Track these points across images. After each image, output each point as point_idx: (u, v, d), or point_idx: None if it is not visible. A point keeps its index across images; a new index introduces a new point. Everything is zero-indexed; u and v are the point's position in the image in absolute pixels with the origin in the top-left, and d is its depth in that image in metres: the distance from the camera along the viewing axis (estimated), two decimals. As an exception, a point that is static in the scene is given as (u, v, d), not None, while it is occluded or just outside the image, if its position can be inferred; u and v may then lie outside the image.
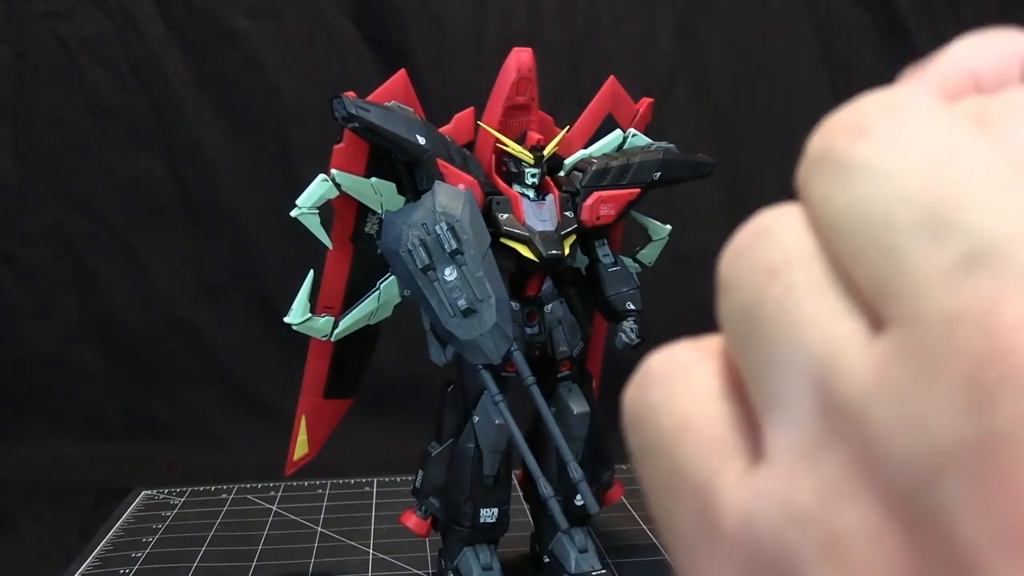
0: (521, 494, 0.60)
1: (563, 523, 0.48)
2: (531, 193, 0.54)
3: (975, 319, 0.11)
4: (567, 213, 0.55)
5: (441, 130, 0.53)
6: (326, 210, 0.51)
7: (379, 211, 0.52)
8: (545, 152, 0.54)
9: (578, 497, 0.53)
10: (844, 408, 0.12)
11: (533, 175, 0.53)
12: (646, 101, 0.61)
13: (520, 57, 0.53)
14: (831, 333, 0.12)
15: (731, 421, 0.14)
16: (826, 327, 0.12)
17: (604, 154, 0.58)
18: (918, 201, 0.12)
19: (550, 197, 0.54)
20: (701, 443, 0.14)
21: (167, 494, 0.74)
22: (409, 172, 0.52)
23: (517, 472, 0.59)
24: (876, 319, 0.12)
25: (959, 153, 0.12)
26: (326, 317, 0.53)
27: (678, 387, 0.15)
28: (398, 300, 0.54)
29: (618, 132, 0.59)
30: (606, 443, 0.58)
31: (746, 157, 0.93)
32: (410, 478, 0.57)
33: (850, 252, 0.13)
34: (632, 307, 0.55)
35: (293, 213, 0.50)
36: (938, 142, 0.12)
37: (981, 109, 0.14)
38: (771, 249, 0.14)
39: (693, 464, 0.14)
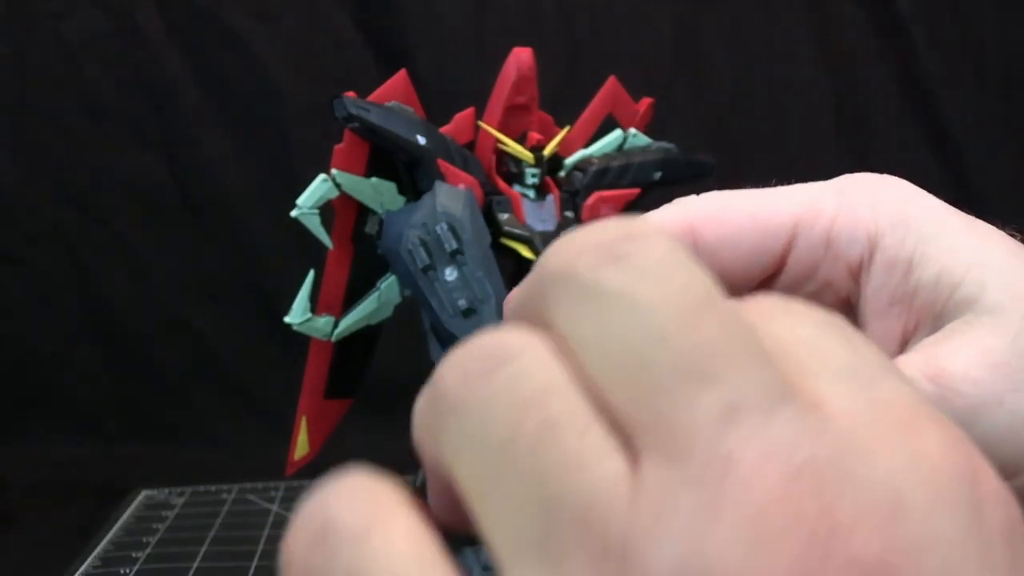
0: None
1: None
2: (531, 193, 0.54)
3: (750, 466, 0.12)
4: (567, 213, 0.55)
5: (441, 130, 0.53)
6: (326, 210, 0.51)
7: (379, 211, 0.52)
8: (545, 152, 0.54)
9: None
10: (620, 548, 0.12)
11: (533, 175, 0.54)
12: (646, 101, 0.61)
13: (520, 57, 0.53)
14: (600, 475, 0.12)
15: None
16: (593, 468, 0.12)
17: (604, 154, 0.58)
18: (678, 345, 0.12)
19: (550, 197, 0.54)
20: None
21: (167, 494, 0.74)
22: (409, 172, 0.52)
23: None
24: (629, 445, 0.12)
25: (706, 304, 0.13)
26: (326, 317, 0.53)
27: (378, 551, 0.13)
28: (398, 300, 0.54)
29: (618, 132, 0.59)
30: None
31: (746, 157, 0.93)
32: (410, 478, 0.57)
33: (607, 383, 0.13)
34: None
35: (293, 213, 0.50)
36: (686, 285, 0.13)
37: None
38: (519, 378, 0.13)
39: None
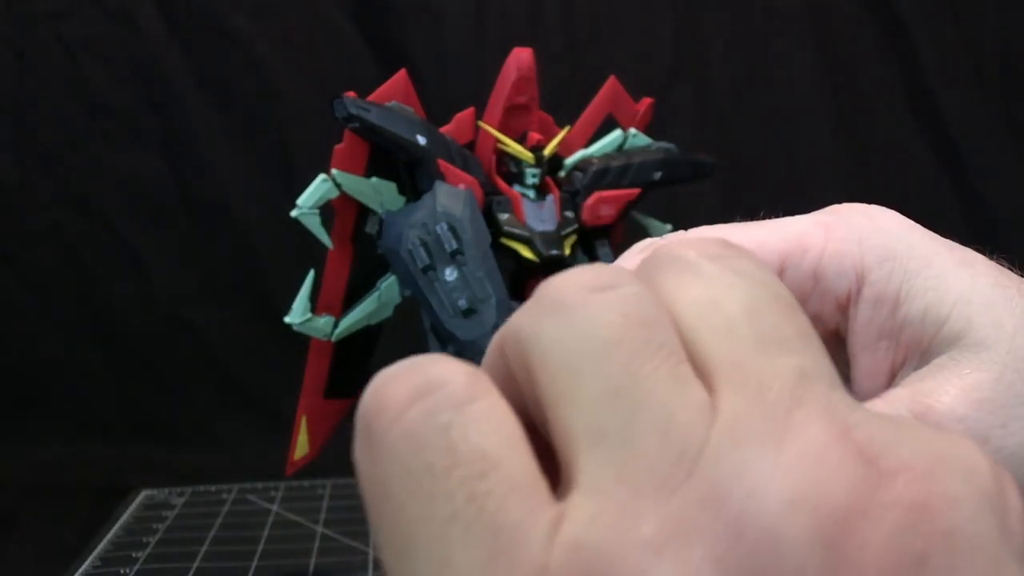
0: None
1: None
2: (531, 193, 0.54)
3: (815, 411, 0.14)
4: (567, 213, 0.55)
5: (441, 130, 0.53)
6: (326, 210, 0.51)
7: (379, 211, 0.52)
8: (545, 152, 0.54)
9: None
10: (695, 454, 0.13)
11: (533, 175, 0.54)
12: (646, 101, 0.61)
13: (520, 57, 0.53)
14: (688, 395, 0.14)
15: (535, 464, 0.14)
16: (684, 389, 0.14)
17: (604, 154, 0.58)
18: (765, 319, 0.15)
19: (550, 197, 0.54)
20: (512, 487, 0.14)
21: (167, 494, 0.74)
22: (409, 172, 0.52)
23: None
24: (707, 384, 0.15)
25: (783, 298, 0.16)
26: (326, 317, 0.53)
27: (478, 417, 0.15)
28: (398, 300, 0.54)
29: (618, 132, 0.59)
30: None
31: (746, 157, 0.93)
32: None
33: (699, 333, 0.15)
34: None
35: (293, 213, 0.50)
36: (768, 282, 0.16)
37: None
38: (633, 299, 0.15)
39: (498, 505, 0.14)
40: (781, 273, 0.25)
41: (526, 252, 0.52)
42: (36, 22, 0.89)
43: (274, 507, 0.70)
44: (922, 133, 0.97)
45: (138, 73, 0.90)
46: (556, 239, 0.53)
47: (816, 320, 0.25)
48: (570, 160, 0.57)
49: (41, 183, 0.90)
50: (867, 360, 0.25)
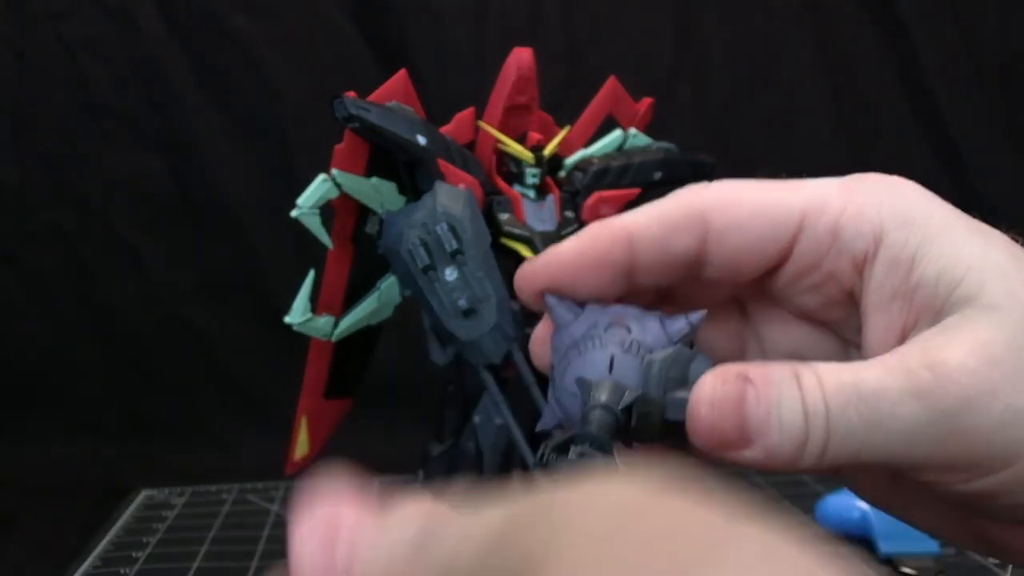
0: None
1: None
2: (532, 193, 0.54)
3: None
4: (567, 213, 0.55)
5: (441, 130, 0.53)
6: (327, 210, 0.51)
7: (379, 211, 0.52)
8: (545, 152, 0.54)
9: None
10: None
11: (534, 175, 0.53)
12: (646, 101, 0.61)
13: (520, 57, 0.53)
14: None
15: None
16: None
17: (604, 154, 0.58)
18: None
19: (550, 197, 0.54)
20: None
21: (168, 494, 0.74)
22: (409, 172, 0.52)
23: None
24: None
25: None
26: (327, 317, 0.53)
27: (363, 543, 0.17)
28: (398, 300, 0.54)
29: (619, 132, 0.59)
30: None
31: (746, 157, 0.93)
32: (410, 478, 0.57)
33: None
34: None
35: (293, 213, 0.50)
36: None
37: None
38: None
39: None
40: (799, 230, 0.25)
41: (526, 252, 0.52)
42: (36, 22, 0.89)
43: (274, 507, 0.70)
44: (922, 133, 0.97)
45: (138, 73, 0.90)
46: (556, 239, 0.53)
47: (831, 279, 0.26)
48: (570, 160, 0.57)
49: (41, 183, 0.90)
50: (880, 320, 0.25)
